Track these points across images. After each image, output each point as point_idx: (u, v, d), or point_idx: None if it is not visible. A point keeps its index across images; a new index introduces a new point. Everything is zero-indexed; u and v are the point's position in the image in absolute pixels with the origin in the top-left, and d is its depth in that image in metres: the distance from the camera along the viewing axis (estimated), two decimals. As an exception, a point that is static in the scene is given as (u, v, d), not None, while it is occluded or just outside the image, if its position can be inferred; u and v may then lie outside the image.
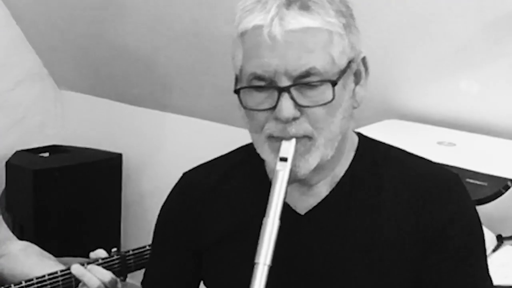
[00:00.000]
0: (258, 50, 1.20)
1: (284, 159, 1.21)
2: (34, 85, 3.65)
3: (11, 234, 1.98)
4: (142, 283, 1.48)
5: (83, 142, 3.59)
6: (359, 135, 1.37)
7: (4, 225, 1.96)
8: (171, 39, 2.94)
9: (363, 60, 1.28)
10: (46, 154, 3.57)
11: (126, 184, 3.48)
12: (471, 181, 1.86)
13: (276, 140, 1.23)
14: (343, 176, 1.31)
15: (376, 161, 1.33)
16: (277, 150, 1.22)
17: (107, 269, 1.57)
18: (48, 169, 3.29)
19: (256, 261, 1.16)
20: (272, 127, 1.22)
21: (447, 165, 1.90)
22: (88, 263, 1.63)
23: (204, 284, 1.43)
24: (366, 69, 1.29)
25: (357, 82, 1.28)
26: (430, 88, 2.34)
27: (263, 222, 1.18)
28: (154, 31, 2.97)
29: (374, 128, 2.26)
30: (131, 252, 1.76)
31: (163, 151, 3.41)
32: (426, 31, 2.24)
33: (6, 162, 3.36)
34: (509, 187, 1.89)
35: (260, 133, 1.24)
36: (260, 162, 1.30)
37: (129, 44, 3.13)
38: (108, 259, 1.70)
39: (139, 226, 3.49)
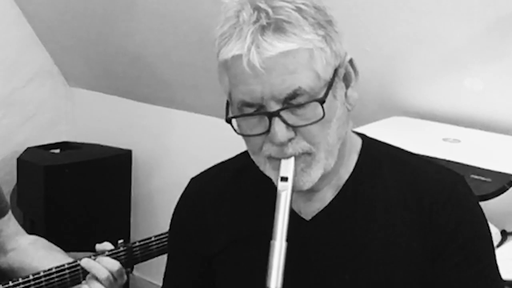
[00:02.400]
0: (242, 78, 1.17)
1: (285, 179, 1.19)
2: (45, 82, 3.67)
3: (20, 228, 1.98)
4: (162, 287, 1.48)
5: (93, 139, 3.61)
6: (363, 136, 1.35)
7: (14, 219, 1.95)
8: (179, 38, 2.95)
9: (351, 62, 1.25)
10: (57, 151, 3.59)
11: (136, 180, 3.49)
12: (476, 177, 1.86)
13: (276, 159, 1.21)
14: (347, 180, 1.30)
15: (380, 163, 1.31)
16: (278, 168, 1.20)
17: None
18: (59, 165, 3.31)
19: (267, 285, 1.15)
20: (269, 149, 1.20)
21: (452, 161, 1.91)
22: (95, 255, 1.64)
23: None
24: (355, 70, 1.25)
25: (347, 85, 1.25)
26: (435, 85, 2.34)
27: (271, 244, 1.17)
28: (163, 29, 2.97)
29: (380, 125, 2.26)
30: (137, 244, 1.76)
31: (173, 147, 3.41)
32: (431, 29, 2.25)
33: (18, 159, 3.38)
34: (513, 183, 1.90)
35: (259, 154, 1.22)
36: None
37: (138, 42, 3.14)
38: (115, 251, 1.70)
39: (149, 222, 3.50)
